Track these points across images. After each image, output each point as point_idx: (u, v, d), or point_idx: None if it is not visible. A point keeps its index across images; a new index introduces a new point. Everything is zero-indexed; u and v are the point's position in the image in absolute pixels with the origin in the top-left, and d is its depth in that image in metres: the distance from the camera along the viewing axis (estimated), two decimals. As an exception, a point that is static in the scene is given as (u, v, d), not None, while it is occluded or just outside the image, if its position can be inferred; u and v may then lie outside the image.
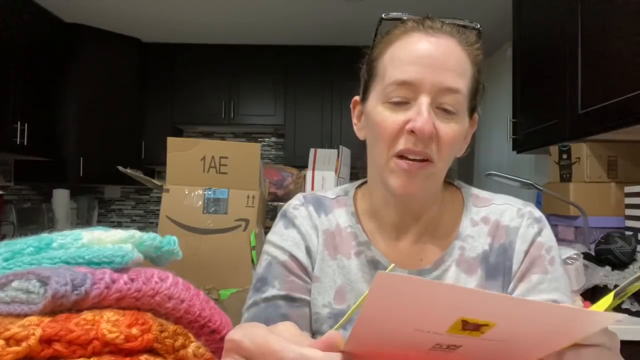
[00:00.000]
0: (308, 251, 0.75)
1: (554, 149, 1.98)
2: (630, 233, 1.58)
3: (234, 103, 4.01)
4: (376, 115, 0.67)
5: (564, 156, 1.89)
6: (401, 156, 0.65)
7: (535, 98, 2.05)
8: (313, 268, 0.75)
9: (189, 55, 4.00)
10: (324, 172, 1.95)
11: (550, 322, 0.30)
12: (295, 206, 0.79)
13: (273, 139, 4.45)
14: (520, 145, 2.21)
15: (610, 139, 1.71)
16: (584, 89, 1.60)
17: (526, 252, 0.70)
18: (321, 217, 0.77)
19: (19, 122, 2.96)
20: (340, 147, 2.01)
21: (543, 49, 1.98)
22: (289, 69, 4.01)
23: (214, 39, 3.90)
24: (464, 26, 0.69)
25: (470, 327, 0.30)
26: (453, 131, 0.65)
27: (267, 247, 0.77)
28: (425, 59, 0.64)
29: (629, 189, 1.65)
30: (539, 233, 0.71)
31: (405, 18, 0.70)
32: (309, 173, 1.97)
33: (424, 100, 0.63)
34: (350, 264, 0.74)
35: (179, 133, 4.21)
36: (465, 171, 4.03)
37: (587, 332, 0.32)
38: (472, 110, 0.71)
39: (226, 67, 3.99)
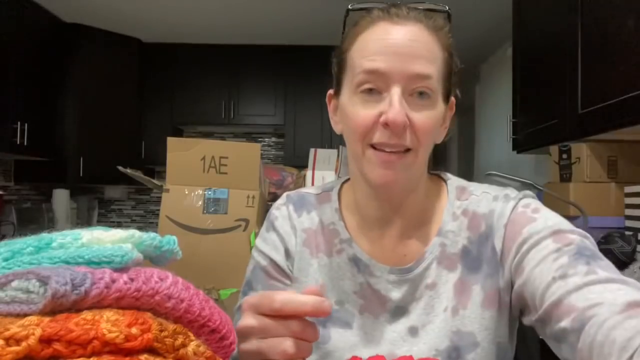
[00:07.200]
0: (287, 253, 0.76)
1: (554, 149, 1.98)
2: (630, 233, 1.58)
3: (234, 103, 4.01)
4: (349, 108, 0.66)
5: (564, 156, 1.89)
6: (378, 148, 0.64)
7: (535, 98, 2.05)
8: (292, 270, 0.76)
9: (189, 55, 4.00)
10: (324, 172, 1.95)
11: None
12: (277, 206, 0.80)
13: (273, 139, 4.45)
14: (520, 145, 2.22)
15: (610, 139, 1.71)
16: (584, 89, 1.60)
17: (506, 225, 0.66)
18: (301, 216, 0.77)
19: (19, 122, 2.96)
20: (340, 147, 2.01)
21: (543, 49, 1.98)
22: (289, 69, 4.01)
23: (214, 39, 3.90)
24: (431, 10, 0.68)
25: None
26: (427, 118, 0.64)
27: (253, 251, 0.80)
28: (392, 47, 0.63)
29: (629, 189, 1.65)
30: (515, 204, 0.68)
31: (370, 7, 0.69)
32: (309, 173, 1.97)
33: (396, 91, 0.62)
34: (331, 262, 0.73)
35: (179, 133, 4.21)
36: (465, 171, 4.04)
37: None
38: (447, 94, 0.69)
39: (226, 67, 3.99)
